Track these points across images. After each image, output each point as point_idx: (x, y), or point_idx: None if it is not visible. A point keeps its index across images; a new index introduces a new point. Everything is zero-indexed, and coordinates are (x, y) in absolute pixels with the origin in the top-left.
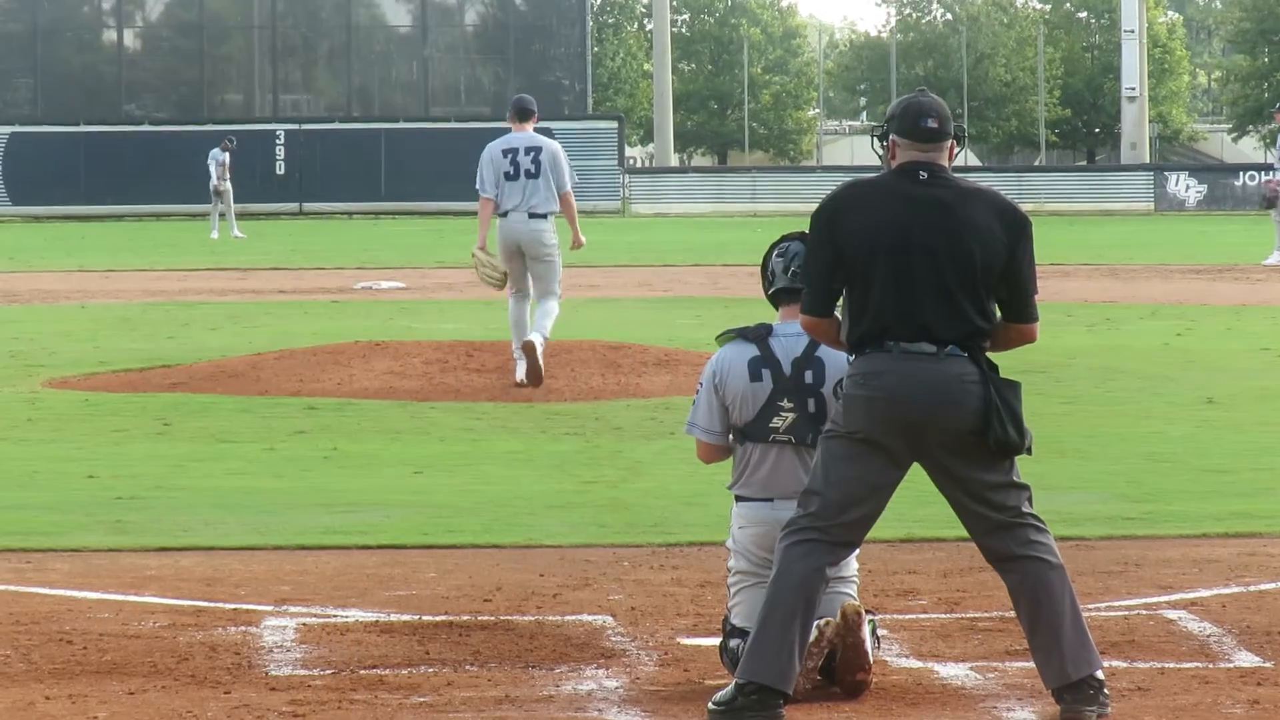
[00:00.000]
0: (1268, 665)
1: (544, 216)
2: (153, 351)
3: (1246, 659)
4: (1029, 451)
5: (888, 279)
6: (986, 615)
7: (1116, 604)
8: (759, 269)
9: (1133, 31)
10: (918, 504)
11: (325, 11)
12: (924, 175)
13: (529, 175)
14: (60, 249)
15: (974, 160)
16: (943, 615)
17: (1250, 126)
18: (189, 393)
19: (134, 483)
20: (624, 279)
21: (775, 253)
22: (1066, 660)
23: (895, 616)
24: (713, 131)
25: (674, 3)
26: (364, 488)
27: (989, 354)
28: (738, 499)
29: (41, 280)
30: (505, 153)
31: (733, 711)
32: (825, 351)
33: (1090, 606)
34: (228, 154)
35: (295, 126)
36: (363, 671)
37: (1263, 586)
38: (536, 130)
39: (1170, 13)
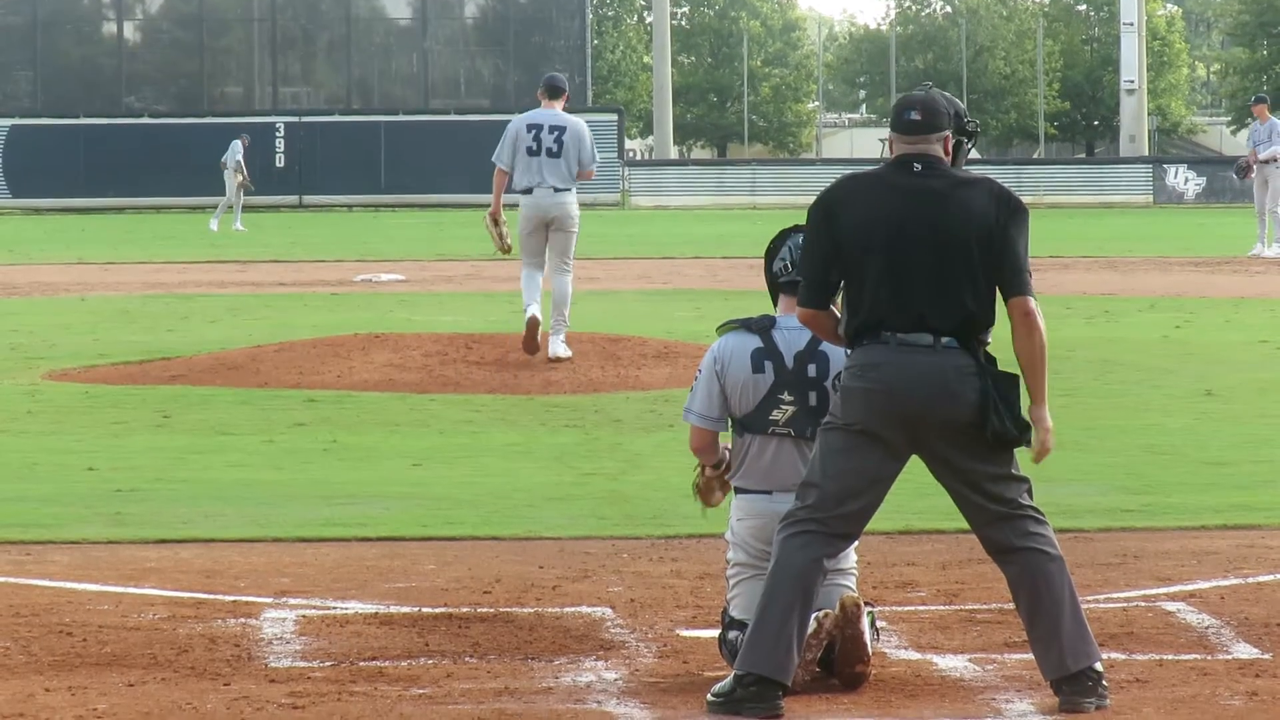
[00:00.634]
0: (1266, 657)
1: (568, 190)
2: (152, 344)
3: (1245, 651)
4: (1027, 443)
5: (884, 270)
6: (985, 607)
7: (1115, 596)
8: (763, 258)
9: (1132, 24)
10: (916, 496)
11: (325, 4)
12: (918, 167)
13: (550, 154)
14: (60, 241)
15: (973, 154)
16: (941, 607)
17: (1249, 119)
18: (188, 385)
19: (133, 475)
20: (623, 271)
21: (794, 243)
22: (1065, 652)
23: (894, 608)
24: (712, 124)
25: None
26: (363, 480)
27: (1017, 351)
28: (736, 491)
29: (41, 272)
30: (530, 128)
31: (731, 703)
32: (829, 345)
33: (1089, 598)
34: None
35: (295, 119)
36: (362, 663)
37: (1261, 578)
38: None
39: (1169, 5)
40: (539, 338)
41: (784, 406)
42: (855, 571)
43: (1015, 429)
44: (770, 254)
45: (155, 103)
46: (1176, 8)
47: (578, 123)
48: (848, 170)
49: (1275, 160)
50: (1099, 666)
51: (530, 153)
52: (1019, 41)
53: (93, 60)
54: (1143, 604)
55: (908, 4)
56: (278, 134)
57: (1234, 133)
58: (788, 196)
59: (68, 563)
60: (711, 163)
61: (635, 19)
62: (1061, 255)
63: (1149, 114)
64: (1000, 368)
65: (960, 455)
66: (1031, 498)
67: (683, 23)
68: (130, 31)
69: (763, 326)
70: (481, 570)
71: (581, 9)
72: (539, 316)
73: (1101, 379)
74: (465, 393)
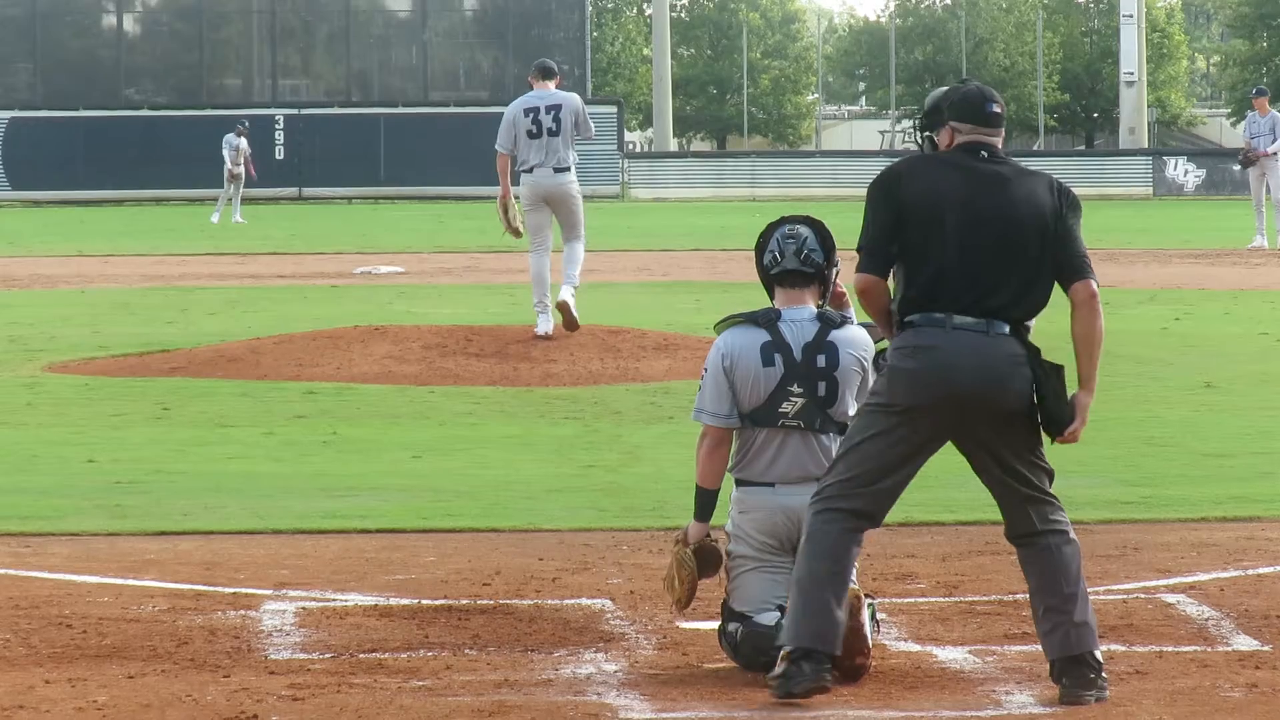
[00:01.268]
0: (1266, 649)
1: (567, 169)
2: (152, 336)
3: (1245, 643)
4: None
5: (947, 246)
6: (985, 599)
7: (1115, 588)
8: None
9: (1131, 16)
10: (916, 488)
11: None
12: (985, 154)
13: (550, 133)
14: (59, 234)
15: None
16: (941, 599)
17: (1249, 111)
18: (188, 377)
19: (133, 467)
20: (623, 264)
21: (782, 235)
22: (1072, 632)
23: (894, 600)
24: (712, 116)
25: None
26: (363, 472)
27: (1075, 335)
28: (739, 483)
29: (41, 265)
30: (527, 112)
31: (786, 679)
32: (837, 334)
33: (1089, 590)
34: (243, 139)
35: (294, 111)
36: (362, 655)
37: (1261, 570)
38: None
39: None
40: (573, 314)
41: (793, 399)
42: (855, 564)
43: (1069, 416)
44: (760, 248)
45: (154, 95)
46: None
47: (570, 96)
48: (847, 162)
49: (1277, 156)
50: (1100, 655)
51: (531, 135)
52: (1018, 33)
53: (92, 52)
54: (1142, 596)
55: None
56: (277, 126)
57: (1234, 125)
58: (787, 189)
59: (67, 555)
60: (711, 155)
61: (634, 11)
62: None
63: (1148, 106)
64: (1045, 357)
65: (1000, 441)
66: (1052, 486)
67: (682, 15)
68: (129, 24)
69: (769, 319)
70: (481, 562)
71: (581, 1)
72: (566, 300)
73: (1101, 371)
74: (465, 385)
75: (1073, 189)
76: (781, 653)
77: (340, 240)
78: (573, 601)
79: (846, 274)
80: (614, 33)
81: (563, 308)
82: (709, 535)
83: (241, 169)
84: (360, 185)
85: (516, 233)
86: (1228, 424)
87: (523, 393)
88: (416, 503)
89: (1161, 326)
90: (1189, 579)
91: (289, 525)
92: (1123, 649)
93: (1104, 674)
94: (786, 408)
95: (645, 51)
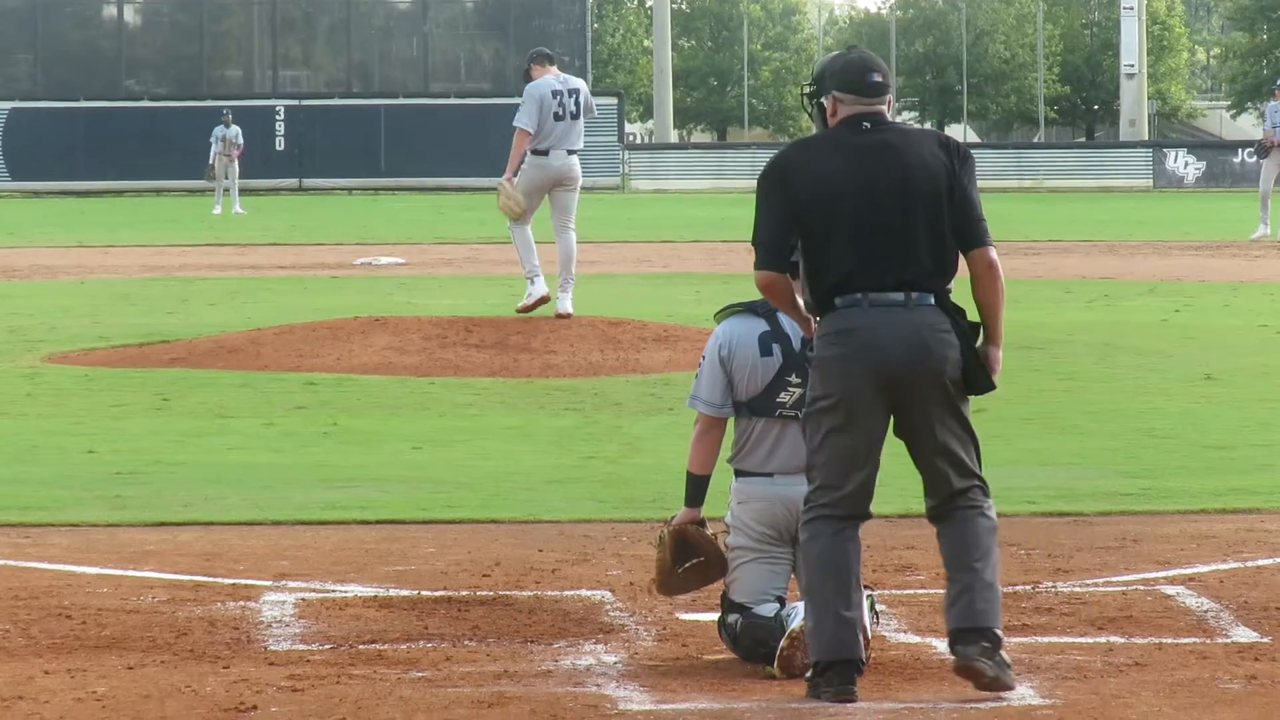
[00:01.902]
0: (1265, 641)
1: (577, 152)
2: (152, 327)
3: (1244, 634)
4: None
5: (847, 227)
6: None
7: (1114, 580)
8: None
9: (1132, 8)
10: (916, 479)
11: None
12: (867, 125)
13: (572, 117)
14: (59, 224)
15: (973, 137)
16: (941, 590)
17: (1249, 103)
18: (188, 368)
19: (133, 458)
20: (623, 255)
21: None
22: (976, 604)
23: (893, 592)
24: (712, 108)
25: None
26: (363, 463)
27: (978, 299)
28: (737, 474)
29: (41, 256)
30: (554, 94)
31: (813, 688)
32: None
33: (1088, 582)
34: (232, 128)
35: (295, 102)
36: (361, 646)
37: (1260, 562)
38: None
39: None
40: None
41: (791, 388)
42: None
43: (988, 380)
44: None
45: (155, 86)
46: None
47: (580, 80)
48: None
49: None
50: (999, 633)
51: (557, 118)
52: (1019, 25)
53: (92, 43)
54: (1142, 588)
55: None
56: (278, 117)
57: (1234, 117)
58: None
59: (67, 545)
60: (711, 146)
61: (635, 3)
62: (1061, 239)
63: (1149, 98)
64: (967, 318)
65: (932, 412)
66: (980, 459)
67: (683, 6)
68: (130, 14)
69: (768, 309)
70: (481, 553)
71: None
72: (568, 310)
73: (1101, 363)
74: (465, 376)
75: (962, 143)
76: (811, 663)
77: (340, 231)
78: (572, 593)
79: None
80: (615, 24)
81: (565, 317)
82: (702, 523)
83: (231, 158)
84: (361, 176)
85: (520, 206)
86: (1227, 416)
87: (523, 384)
88: (416, 494)
89: (1161, 318)
90: (1188, 571)
91: (289, 516)
92: (1122, 640)
93: (1003, 652)
94: (784, 397)
95: (646, 43)
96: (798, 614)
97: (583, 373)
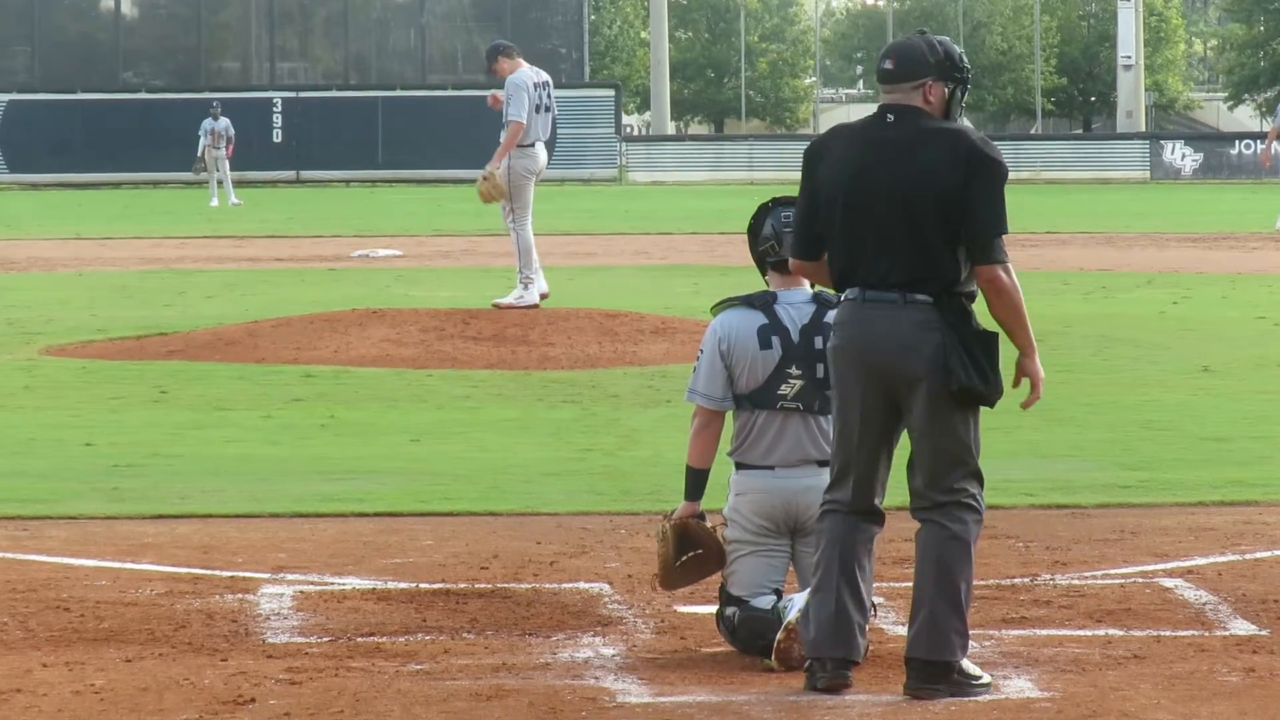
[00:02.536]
0: (1263, 633)
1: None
2: (150, 319)
3: (1242, 627)
4: (991, 403)
5: (848, 222)
6: (981, 583)
7: (1112, 572)
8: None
9: (1129, 0)
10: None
11: None
12: (890, 118)
13: (548, 110)
14: (57, 216)
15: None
16: None
17: (1246, 95)
18: (186, 360)
19: (131, 450)
20: (621, 247)
21: (778, 219)
22: (923, 636)
23: (892, 585)
24: (709, 99)
25: None
26: (361, 455)
27: (991, 316)
28: (738, 466)
29: (38, 248)
30: (535, 86)
31: (811, 676)
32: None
33: (1086, 575)
34: (221, 120)
35: (292, 94)
36: (360, 639)
37: (1259, 555)
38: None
39: None
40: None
41: (792, 381)
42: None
43: (980, 383)
44: (753, 230)
45: (153, 78)
46: None
47: (546, 73)
48: None
49: None
50: (961, 665)
51: (539, 110)
52: (1016, 17)
53: (90, 35)
54: (1140, 580)
55: None
56: (275, 109)
57: (1231, 109)
58: (784, 172)
59: (65, 538)
60: (709, 138)
61: None
62: (1058, 231)
63: (1146, 90)
64: (975, 323)
65: (912, 411)
66: (977, 482)
67: None
68: (128, 6)
69: (765, 302)
70: (479, 546)
71: None
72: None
73: (1099, 355)
74: (462, 368)
75: (994, 149)
76: (808, 658)
77: (338, 223)
78: (570, 585)
79: None
80: (612, 16)
81: (503, 308)
82: (702, 517)
83: (222, 151)
84: (358, 168)
85: (503, 195)
86: (1225, 408)
87: (520, 376)
88: (414, 486)
89: (1159, 310)
90: (1186, 563)
91: (286, 509)
92: (1120, 633)
93: (964, 676)
94: (785, 390)
95: (643, 35)
96: (794, 606)
97: (580, 365)
